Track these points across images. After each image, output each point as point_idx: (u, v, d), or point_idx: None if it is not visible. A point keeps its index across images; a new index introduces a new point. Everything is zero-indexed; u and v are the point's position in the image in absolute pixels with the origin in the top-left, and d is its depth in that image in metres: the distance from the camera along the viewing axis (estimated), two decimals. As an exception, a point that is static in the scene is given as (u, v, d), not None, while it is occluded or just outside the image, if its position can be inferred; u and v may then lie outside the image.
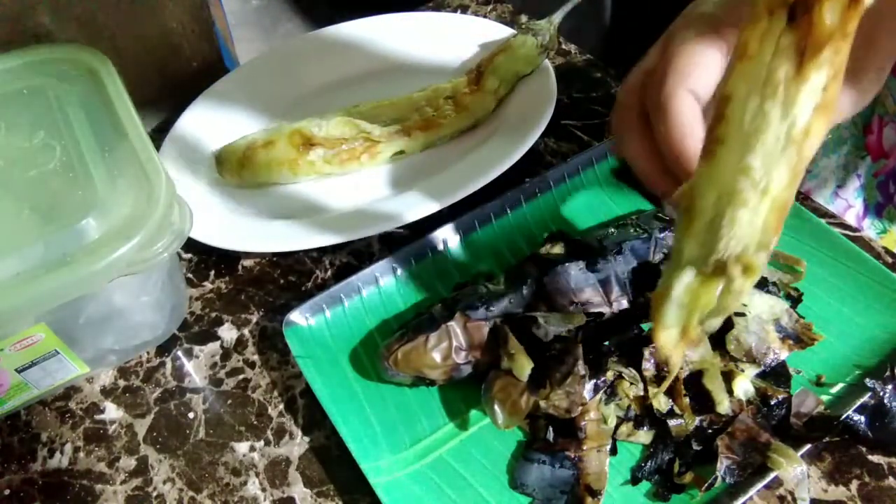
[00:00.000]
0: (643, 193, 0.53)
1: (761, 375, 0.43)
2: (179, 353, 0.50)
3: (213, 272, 0.54)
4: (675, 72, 0.32)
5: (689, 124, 0.31)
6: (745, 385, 0.42)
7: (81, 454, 0.45)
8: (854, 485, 0.41)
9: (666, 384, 0.39)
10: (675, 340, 0.31)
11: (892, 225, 0.63)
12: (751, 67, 0.25)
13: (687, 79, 0.31)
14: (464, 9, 0.75)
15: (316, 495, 0.43)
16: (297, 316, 0.47)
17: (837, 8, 0.23)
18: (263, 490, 0.43)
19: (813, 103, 0.24)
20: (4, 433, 0.46)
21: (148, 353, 0.50)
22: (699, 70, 0.31)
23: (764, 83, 0.24)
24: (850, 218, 0.65)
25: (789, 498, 0.40)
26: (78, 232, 0.38)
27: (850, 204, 0.65)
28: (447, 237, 0.52)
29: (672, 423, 0.41)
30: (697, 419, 0.41)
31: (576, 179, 0.56)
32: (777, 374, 0.43)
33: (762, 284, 0.46)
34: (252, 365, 0.49)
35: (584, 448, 0.41)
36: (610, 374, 0.41)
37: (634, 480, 0.41)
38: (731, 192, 0.26)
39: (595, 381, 0.40)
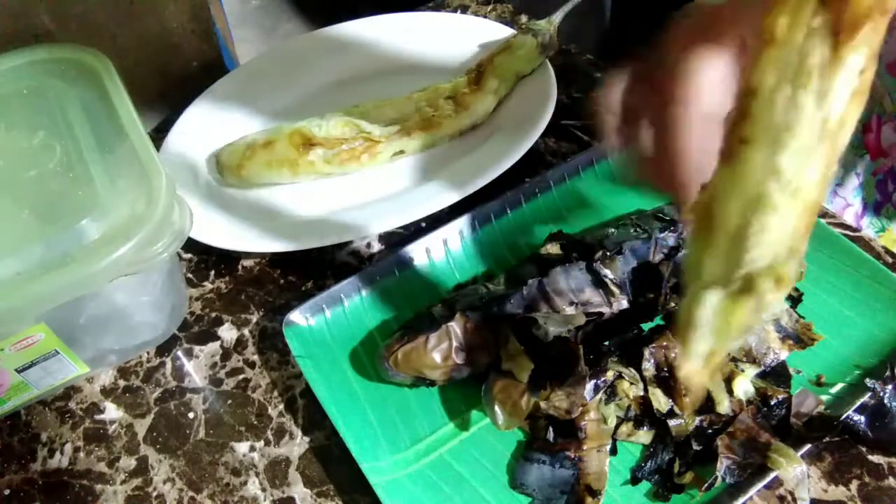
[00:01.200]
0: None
1: (761, 375, 0.43)
2: (179, 353, 0.50)
3: (213, 272, 0.54)
4: (680, 99, 0.31)
5: (694, 158, 0.31)
6: (745, 385, 0.42)
7: (81, 454, 0.45)
8: (854, 485, 0.41)
9: (691, 408, 0.38)
10: (701, 368, 0.28)
11: (890, 223, 0.63)
12: (779, 54, 0.22)
13: (690, 106, 0.31)
14: (464, 9, 0.75)
15: (316, 495, 0.43)
16: (297, 316, 0.47)
17: None
18: (263, 490, 0.43)
19: (850, 89, 0.22)
20: (4, 433, 0.46)
21: (148, 353, 0.50)
22: (704, 91, 0.31)
23: (796, 71, 0.22)
24: (849, 216, 0.65)
25: (789, 498, 0.40)
26: (78, 232, 0.38)
27: (848, 203, 0.65)
28: (447, 237, 0.52)
29: (672, 423, 0.41)
30: (697, 419, 0.41)
31: (576, 179, 0.56)
32: (777, 374, 0.43)
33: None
34: (252, 365, 0.49)
35: (584, 448, 0.41)
36: (610, 374, 0.41)
37: (634, 480, 0.41)
38: (758, 198, 0.23)
39: (595, 381, 0.40)
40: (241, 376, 0.48)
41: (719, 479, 0.39)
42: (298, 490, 0.43)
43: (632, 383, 0.42)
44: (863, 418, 0.42)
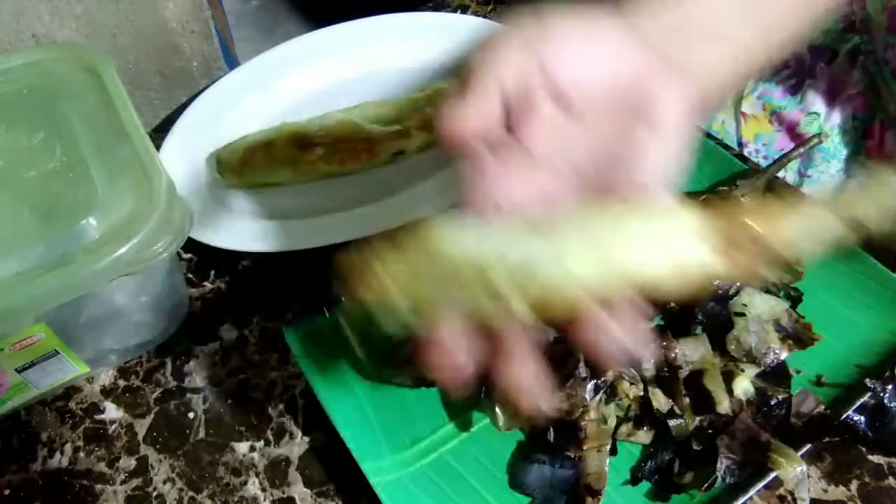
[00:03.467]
0: None
1: (761, 375, 0.43)
2: (179, 353, 0.50)
3: (213, 272, 0.54)
4: None
5: None
6: (745, 385, 0.42)
7: (81, 454, 0.45)
8: (854, 485, 0.41)
9: None
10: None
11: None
12: None
13: None
14: (464, 9, 0.75)
15: (316, 495, 0.43)
16: (297, 316, 0.47)
17: None
18: (263, 490, 0.43)
19: None
20: (4, 433, 0.46)
21: (148, 353, 0.50)
22: None
23: None
24: (849, 219, 0.65)
25: (789, 498, 0.40)
26: (78, 232, 0.39)
27: None
28: (447, 237, 0.52)
29: (672, 423, 0.41)
30: (697, 419, 0.41)
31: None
32: (777, 374, 0.43)
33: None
34: (252, 365, 0.49)
35: (584, 448, 0.41)
36: (610, 375, 0.41)
37: (634, 480, 0.41)
38: None
39: (595, 381, 0.40)
40: (241, 376, 0.48)
41: (719, 479, 0.39)
42: (298, 490, 0.43)
43: (632, 383, 0.42)
44: (863, 418, 0.42)
